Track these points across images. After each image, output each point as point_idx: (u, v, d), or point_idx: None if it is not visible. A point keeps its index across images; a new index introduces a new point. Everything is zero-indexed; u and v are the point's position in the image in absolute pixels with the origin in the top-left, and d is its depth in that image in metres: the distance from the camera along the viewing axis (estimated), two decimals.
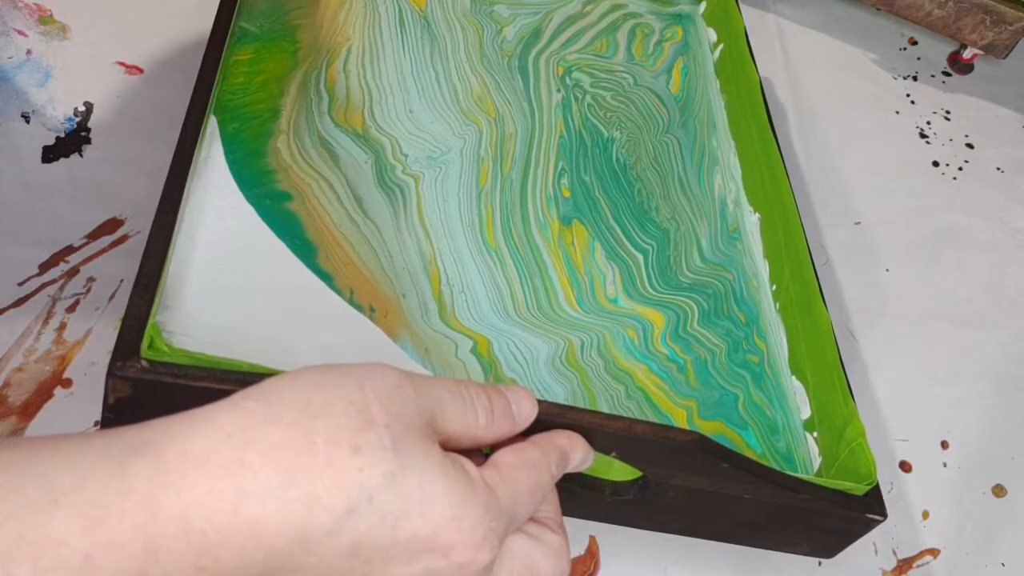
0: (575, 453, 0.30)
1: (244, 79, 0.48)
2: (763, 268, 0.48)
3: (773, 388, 0.43)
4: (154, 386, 0.29)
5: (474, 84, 0.50)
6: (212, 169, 0.43)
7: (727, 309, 0.45)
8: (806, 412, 0.43)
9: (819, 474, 0.41)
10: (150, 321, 0.31)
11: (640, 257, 0.45)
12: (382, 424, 0.22)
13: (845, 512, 0.38)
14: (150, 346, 0.30)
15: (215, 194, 0.42)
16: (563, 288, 0.43)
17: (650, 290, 0.44)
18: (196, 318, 0.35)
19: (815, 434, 0.42)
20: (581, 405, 0.40)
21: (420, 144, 0.46)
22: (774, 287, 0.47)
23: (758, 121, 0.52)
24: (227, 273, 0.38)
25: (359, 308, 0.39)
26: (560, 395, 0.40)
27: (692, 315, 0.44)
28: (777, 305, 0.46)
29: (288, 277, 0.39)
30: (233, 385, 0.28)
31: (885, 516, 0.38)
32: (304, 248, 0.40)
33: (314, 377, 0.23)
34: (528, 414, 0.28)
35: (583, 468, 0.31)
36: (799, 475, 0.38)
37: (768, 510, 0.38)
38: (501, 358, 0.40)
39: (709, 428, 0.41)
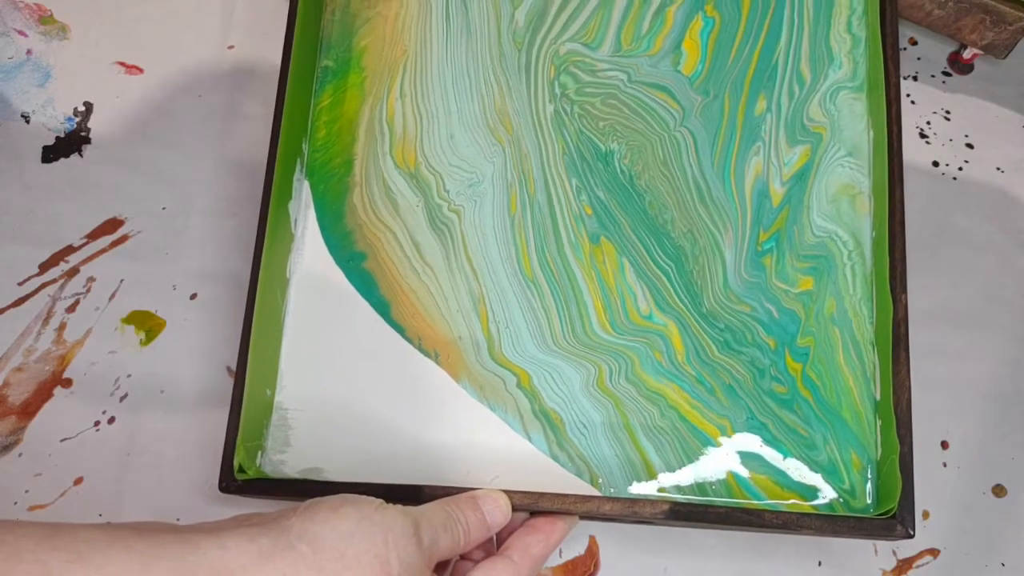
0: (551, 547, 0.37)
1: (326, 130, 0.47)
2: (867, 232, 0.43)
3: (812, 411, 0.41)
4: (253, 483, 0.41)
5: (496, 93, 0.47)
6: (309, 241, 0.46)
7: (750, 337, 0.42)
8: (878, 394, 0.41)
9: (879, 467, 0.39)
10: (238, 448, 0.40)
11: (663, 276, 0.43)
12: (396, 574, 0.30)
13: (858, 537, 0.38)
14: (239, 470, 0.40)
15: (315, 265, 0.45)
16: (596, 311, 0.43)
17: (680, 305, 0.43)
18: (303, 384, 0.44)
19: (880, 423, 0.40)
20: (616, 429, 0.41)
21: (459, 175, 0.46)
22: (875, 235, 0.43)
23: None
24: (323, 335, 0.44)
25: (427, 355, 0.43)
26: (597, 420, 0.41)
27: (711, 347, 0.42)
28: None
29: (371, 331, 0.44)
30: (299, 496, 0.40)
31: (911, 535, 0.37)
32: (381, 305, 0.44)
33: (350, 527, 0.30)
34: (500, 521, 0.36)
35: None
36: (791, 510, 0.38)
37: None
38: (541, 390, 0.42)
39: (746, 442, 0.41)
